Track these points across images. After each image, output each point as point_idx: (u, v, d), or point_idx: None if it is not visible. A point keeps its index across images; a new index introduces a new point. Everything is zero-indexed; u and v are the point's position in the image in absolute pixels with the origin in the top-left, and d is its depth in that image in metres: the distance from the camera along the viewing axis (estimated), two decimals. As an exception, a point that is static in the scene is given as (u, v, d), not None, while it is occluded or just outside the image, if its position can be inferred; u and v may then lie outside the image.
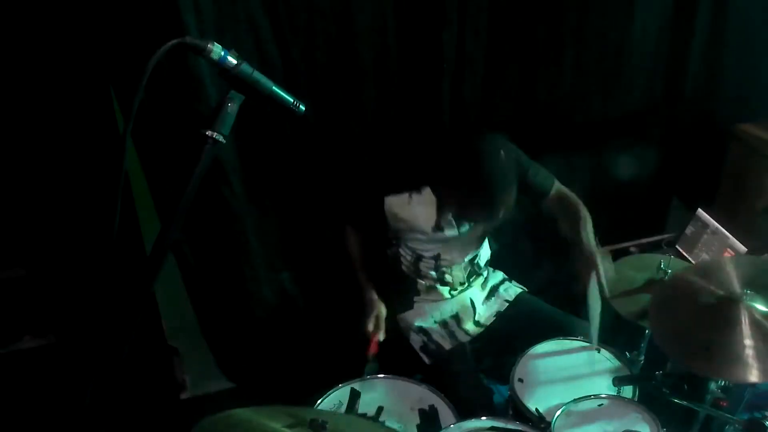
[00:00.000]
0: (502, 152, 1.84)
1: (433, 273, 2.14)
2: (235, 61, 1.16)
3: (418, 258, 2.12)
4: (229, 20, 1.90)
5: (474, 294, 2.21)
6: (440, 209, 2.00)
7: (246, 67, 1.18)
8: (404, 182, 2.00)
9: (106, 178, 1.88)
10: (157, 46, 1.07)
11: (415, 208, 1.99)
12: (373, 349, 2.00)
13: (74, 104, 1.89)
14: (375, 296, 2.11)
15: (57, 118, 1.89)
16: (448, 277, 2.16)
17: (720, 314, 1.57)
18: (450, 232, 2.04)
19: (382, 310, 2.09)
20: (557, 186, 2.12)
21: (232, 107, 1.18)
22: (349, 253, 2.19)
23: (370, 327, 2.03)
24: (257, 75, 1.20)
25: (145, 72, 1.06)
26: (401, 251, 2.14)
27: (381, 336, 2.04)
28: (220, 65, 1.15)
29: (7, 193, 1.97)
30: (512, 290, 2.26)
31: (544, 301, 2.26)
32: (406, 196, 1.98)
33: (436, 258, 2.11)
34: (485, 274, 2.27)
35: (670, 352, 1.59)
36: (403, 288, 2.19)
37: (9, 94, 1.84)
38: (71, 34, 1.80)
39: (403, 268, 2.17)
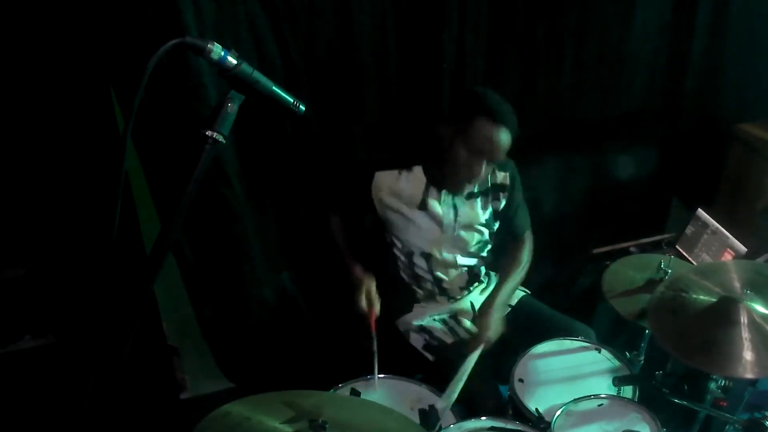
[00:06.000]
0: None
1: (428, 276, 2.14)
2: (235, 61, 1.16)
3: (410, 258, 2.11)
4: (229, 20, 1.90)
5: (474, 298, 2.21)
6: (428, 186, 2.02)
7: (246, 67, 1.18)
8: (396, 160, 2.03)
9: (106, 178, 1.88)
10: (157, 46, 1.06)
11: (402, 184, 2.01)
12: (373, 326, 1.95)
13: (74, 104, 1.89)
14: (360, 272, 2.05)
15: (57, 118, 1.89)
16: (446, 284, 2.16)
17: (720, 313, 1.57)
18: (436, 212, 2.04)
19: (371, 284, 2.02)
20: (528, 235, 2.21)
21: (232, 107, 1.18)
22: (333, 238, 2.16)
23: (363, 304, 1.98)
24: (257, 75, 1.19)
25: (145, 72, 1.06)
26: (396, 252, 2.13)
27: (377, 310, 1.98)
28: (220, 65, 1.15)
29: (7, 193, 1.96)
30: (515, 294, 2.26)
31: (544, 302, 2.26)
32: (395, 172, 2.01)
33: (427, 257, 2.10)
34: (485, 280, 2.27)
35: (669, 349, 1.59)
36: (403, 296, 2.19)
37: (9, 94, 1.84)
38: (71, 34, 1.80)
39: (402, 274, 2.16)
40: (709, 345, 1.53)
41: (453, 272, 2.15)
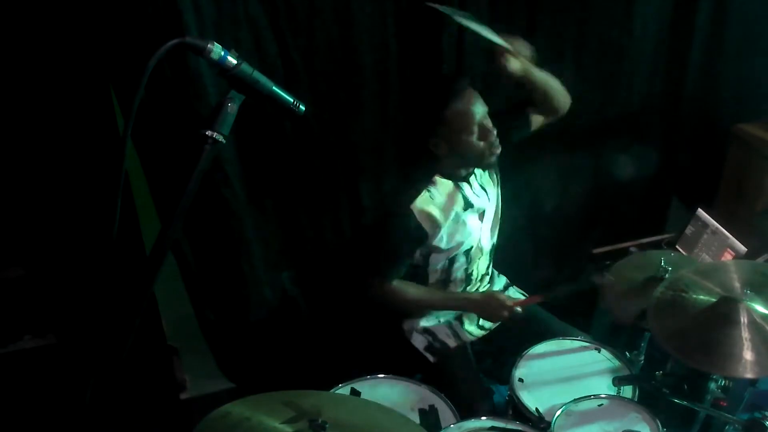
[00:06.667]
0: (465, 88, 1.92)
1: (462, 274, 2.14)
2: (235, 61, 1.16)
3: (452, 262, 2.11)
4: (229, 20, 1.90)
5: None
6: (456, 185, 2.02)
7: (246, 67, 1.18)
8: (416, 184, 2.01)
9: (106, 178, 1.88)
10: (157, 46, 1.06)
11: (438, 198, 2.00)
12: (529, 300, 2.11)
13: (74, 104, 1.89)
14: (472, 294, 2.12)
15: (57, 118, 1.89)
16: (474, 273, 2.17)
17: (720, 313, 1.57)
18: (478, 203, 2.06)
19: (492, 292, 2.10)
20: None
21: (232, 107, 1.18)
22: (409, 301, 2.09)
23: (512, 305, 2.01)
24: (257, 75, 1.19)
25: (145, 72, 1.06)
26: (431, 264, 2.11)
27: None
28: (220, 65, 1.15)
29: (7, 193, 1.96)
30: (515, 297, 2.27)
31: (543, 305, 2.26)
32: (424, 194, 1.99)
33: (467, 253, 2.11)
34: (490, 273, 2.27)
35: (669, 349, 1.59)
36: None
37: (9, 94, 1.84)
38: (71, 34, 1.80)
39: (430, 281, 2.16)
40: (709, 345, 1.53)
41: (483, 259, 2.18)
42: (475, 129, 1.92)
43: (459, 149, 1.94)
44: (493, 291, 2.09)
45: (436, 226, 2.00)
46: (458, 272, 2.14)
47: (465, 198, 2.03)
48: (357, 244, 2.34)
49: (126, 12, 1.76)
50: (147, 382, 2.25)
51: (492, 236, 2.18)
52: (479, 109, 1.91)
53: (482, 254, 2.16)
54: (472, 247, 2.10)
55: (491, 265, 2.27)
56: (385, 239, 2.06)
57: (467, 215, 2.04)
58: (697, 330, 1.57)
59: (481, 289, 2.22)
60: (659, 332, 1.63)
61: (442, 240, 2.03)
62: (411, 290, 2.08)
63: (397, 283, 2.07)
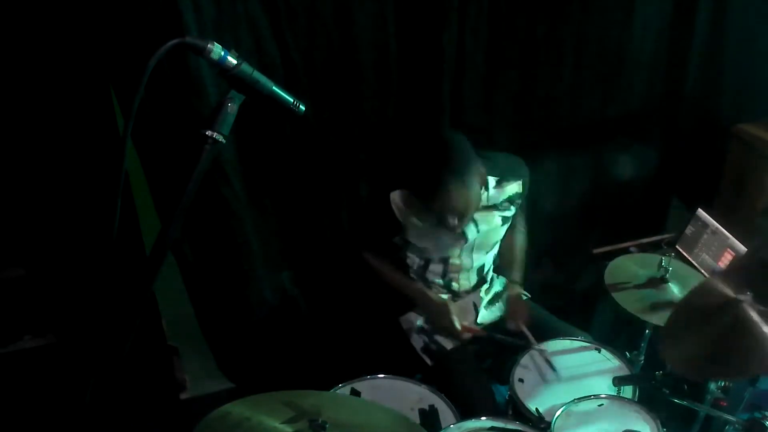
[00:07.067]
0: (456, 142, 1.88)
1: (440, 281, 2.14)
2: (235, 61, 1.16)
3: (426, 263, 2.11)
4: (229, 20, 1.90)
5: (477, 299, 2.21)
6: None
7: (246, 67, 1.18)
8: (403, 180, 2.01)
9: (106, 178, 1.88)
10: (157, 46, 1.06)
11: (415, 203, 1.99)
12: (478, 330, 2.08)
13: (74, 104, 1.89)
14: (437, 297, 2.11)
15: (57, 118, 1.89)
16: (455, 285, 2.16)
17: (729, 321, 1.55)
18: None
19: (452, 304, 2.08)
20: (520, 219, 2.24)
21: (232, 107, 1.18)
22: (382, 275, 2.14)
23: (459, 324, 2.03)
24: (257, 75, 1.19)
25: (145, 72, 1.05)
26: (409, 255, 2.12)
27: (471, 320, 2.13)
28: (220, 65, 1.15)
29: (7, 193, 1.96)
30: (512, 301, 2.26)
31: (544, 302, 2.25)
32: (407, 192, 1.99)
33: (445, 261, 2.10)
34: (489, 280, 2.27)
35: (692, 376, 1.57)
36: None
37: (9, 94, 1.84)
38: (71, 34, 1.80)
39: (412, 275, 2.16)
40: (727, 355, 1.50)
41: (465, 275, 2.16)
42: (438, 216, 1.90)
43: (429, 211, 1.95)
44: (451, 304, 2.07)
45: (404, 221, 2.01)
46: (435, 278, 2.14)
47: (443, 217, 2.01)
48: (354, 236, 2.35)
49: (126, 12, 1.76)
50: (147, 382, 2.25)
51: (478, 258, 2.15)
52: (454, 206, 1.86)
53: (463, 270, 2.15)
54: (448, 259, 2.10)
55: (484, 283, 2.24)
56: (369, 214, 2.15)
57: (437, 228, 2.01)
58: (713, 348, 1.54)
59: (465, 301, 2.20)
60: (675, 363, 1.60)
61: (409, 237, 2.05)
62: (391, 272, 2.14)
63: (375, 258, 2.13)
